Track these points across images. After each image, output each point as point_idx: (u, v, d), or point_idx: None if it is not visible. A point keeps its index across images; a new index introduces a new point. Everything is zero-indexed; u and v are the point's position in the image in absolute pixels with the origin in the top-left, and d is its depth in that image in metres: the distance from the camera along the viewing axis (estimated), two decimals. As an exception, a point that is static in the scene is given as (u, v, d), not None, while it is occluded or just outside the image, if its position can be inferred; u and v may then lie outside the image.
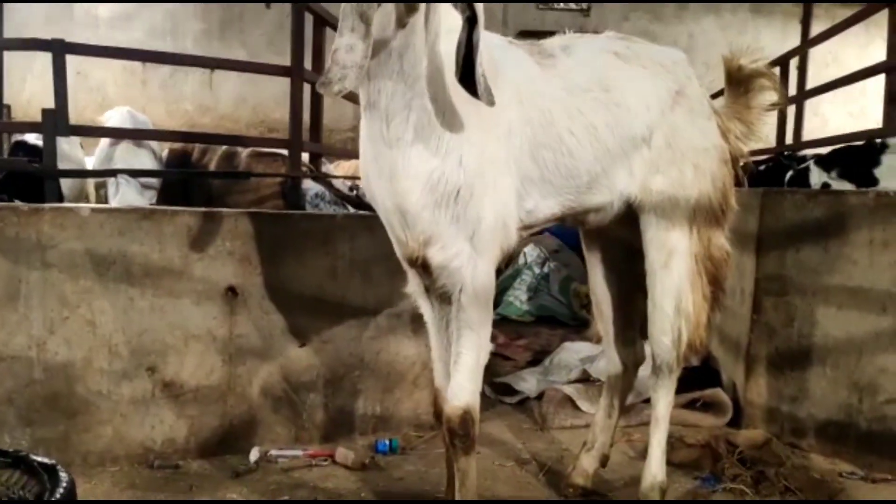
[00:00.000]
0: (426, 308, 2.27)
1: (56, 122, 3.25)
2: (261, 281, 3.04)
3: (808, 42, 6.10)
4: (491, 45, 2.14)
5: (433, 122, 1.91)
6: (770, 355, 3.39)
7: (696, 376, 3.93)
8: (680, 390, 3.60)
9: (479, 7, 1.81)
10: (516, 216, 2.15)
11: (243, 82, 10.02)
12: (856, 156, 4.06)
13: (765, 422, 3.41)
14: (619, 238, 2.61)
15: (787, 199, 3.35)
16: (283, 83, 10.44)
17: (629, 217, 2.47)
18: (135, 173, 3.56)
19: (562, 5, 9.73)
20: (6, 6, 4.28)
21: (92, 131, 3.98)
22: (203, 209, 3.03)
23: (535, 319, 5.75)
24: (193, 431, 2.97)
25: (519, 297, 5.84)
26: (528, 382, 3.94)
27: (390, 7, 1.78)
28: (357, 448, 3.13)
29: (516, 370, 4.33)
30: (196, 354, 2.96)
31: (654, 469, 2.57)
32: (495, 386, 3.95)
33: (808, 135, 7.70)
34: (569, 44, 2.38)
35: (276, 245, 3.07)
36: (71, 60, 9.96)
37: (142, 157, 4.33)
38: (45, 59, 10.24)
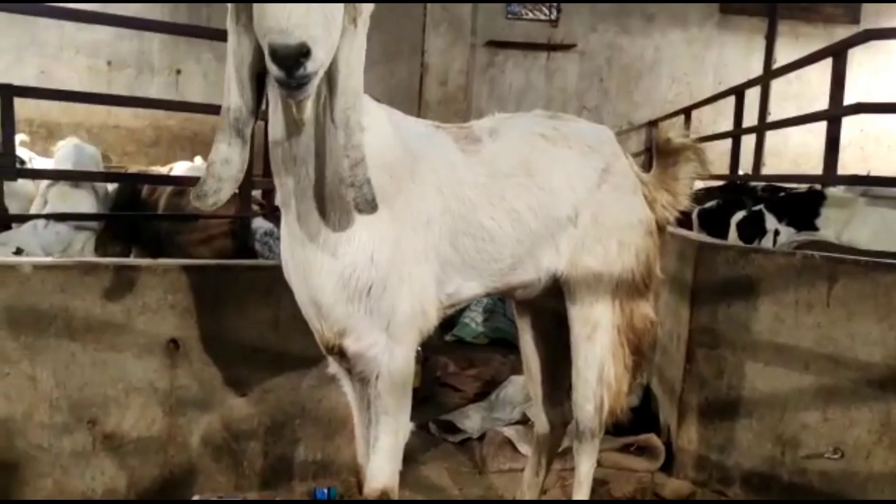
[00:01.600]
0: (348, 388, 2.35)
1: (2, 166, 3.26)
2: (202, 333, 3.09)
3: (768, 74, 6.19)
4: (412, 134, 2.21)
5: (343, 221, 1.97)
6: (701, 405, 3.51)
7: (636, 416, 4.05)
8: (617, 432, 3.77)
9: (359, 118, 1.84)
10: (436, 301, 2.22)
11: (210, 84, 9.98)
12: (800, 205, 4.20)
13: (694, 468, 3.53)
14: (548, 307, 2.70)
15: (720, 255, 3.45)
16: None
17: (557, 288, 2.57)
18: (85, 217, 3.56)
19: (530, 15, 9.77)
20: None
21: (39, 174, 3.98)
22: (146, 262, 3.07)
23: (490, 342, 5.84)
24: (134, 482, 3.03)
25: (475, 319, 5.93)
26: (472, 420, 4.03)
27: (279, 113, 1.84)
28: (296, 496, 3.21)
29: (465, 401, 4.44)
30: (137, 406, 3.01)
31: (576, 530, 2.68)
32: (440, 423, 4.05)
33: (768, 151, 7.87)
34: (496, 127, 2.46)
35: (218, 297, 3.12)
36: (34, 59, 9.81)
37: (76, 198, 4.20)
38: (11, 57, 10.05)
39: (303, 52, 1.55)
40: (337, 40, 1.71)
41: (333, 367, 2.32)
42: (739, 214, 4.45)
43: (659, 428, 3.91)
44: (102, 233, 4.14)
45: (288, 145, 1.88)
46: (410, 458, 3.67)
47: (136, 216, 4.16)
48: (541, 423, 2.91)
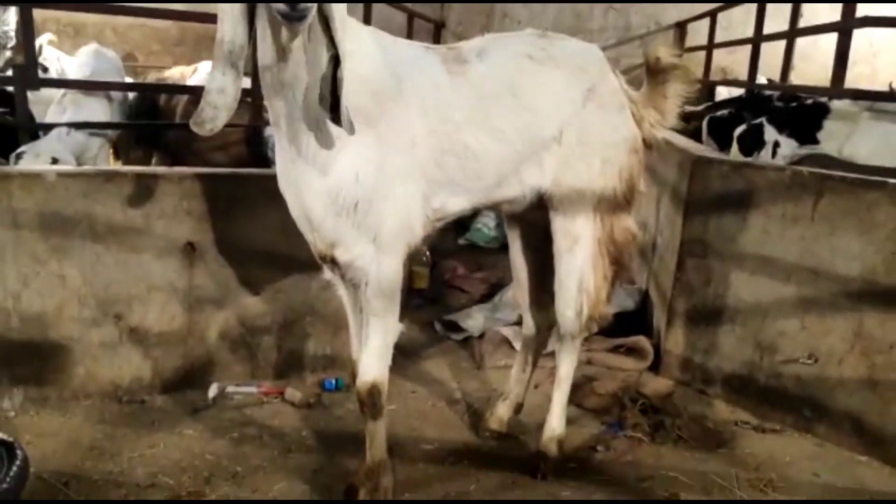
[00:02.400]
0: (342, 292, 2.56)
1: (26, 76, 3.43)
2: (217, 237, 3.32)
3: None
4: (399, 57, 2.33)
5: (329, 142, 2.13)
6: (688, 311, 3.70)
7: (631, 319, 4.26)
8: (610, 333, 3.99)
9: (344, 46, 1.99)
10: (422, 216, 2.39)
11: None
12: (803, 117, 4.23)
13: (679, 369, 3.75)
14: (535, 220, 2.86)
15: (714, 169, 3.55)
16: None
17: (542, 203, 2.72)
18: (107, 126, 3.71)
19: None
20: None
21: (60, 83, 4.13)
22: (162, 170, 3.27)
23: (501, 246, 6.02)
24: (157, 370, 3.33)
25: (487, 224, 6.10)
26: (475, 320, 4.27)
27: (268, 41, 1.97)
28: (306, 385, 3.51)
29: (471, 303, 4.68)
30: (159, 303, 3.28)
31: (554, 424, 2.93)
32: (444, 322, 4.30)
33: (798, 55, 7.71)
34: (485, 47, 2.55)
35: (231, 203, 3.32)
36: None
37: (90, 106, 4.25)
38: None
39: None
40: None
41: (328, 274, 2.53)
42: (740, 128, 4.48)
43: (652, 330, 4.12)
44: (125, 137, 4.30)
45: (276, 70, 2.02)
46: (414, 353, 3.98)
47: (154, 125, 4.32)
48: (527, 325, 3.13)
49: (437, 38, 9.68)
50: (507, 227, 3.03)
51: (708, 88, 7.40)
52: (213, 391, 3.36)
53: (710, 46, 7.67)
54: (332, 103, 2.03)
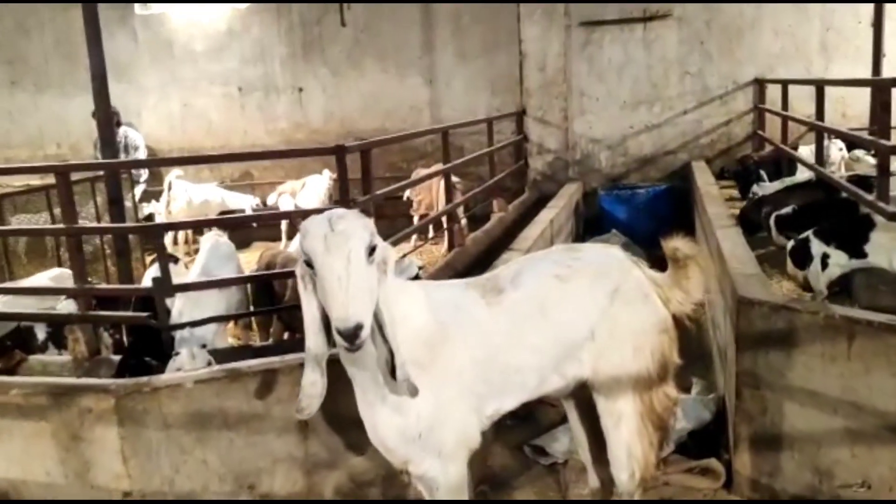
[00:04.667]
0: (421, 487, 3.10)
1: (162, 287, 4.22)
2: (325, 413, 3.92)
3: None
4: (444, 302, 2.86)
5: (394, 392, 2.69)
6: (750, 436, 4.00)
7: (708, 435, 4.58)
8: (686, 452, 4.34)
9: (395, 343, 2.56)
10: (477, 424, 2.91)
11: (329, 98, 10.89)
12: (850, 230, 4.45)
13: (749, 489, 4.05)
14: (585, 395, 3.31)
15: (755, 310, 3.87)
16: (365, 97, 11.40)
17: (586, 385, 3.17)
18: (229, 318, 4.44)
19: (623, -10, 9.82)
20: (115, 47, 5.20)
21: (189, 287, 4.92)
22: (276, 363, 3.94)
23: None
24: (286, 526, 3.98)
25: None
26: (560, 443, 4.71)
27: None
28: (409, 529, 4.06)
29: (558, 417, 5.11)
30: (282, 472, 3.93)
31: (622, 560, 3.34)
32: (532, 447, 4.76)
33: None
34: (520, 271, 3.06)
35: (332, 383, 3.93)
36: (176, 94, 11.21)
37: (204, 299, 4.93)
38: (157, 94, 11.48)
39: (358, 328, 2.28)
40: (376, 300, 2.42)
41: (406, 478, 3.08)
42: (790, 243, 4.74)
43: (728, 448, 4.41)
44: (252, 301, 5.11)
45: (349, 350, 2.61)
46: (506, 482, 4.47)
47: (269, 311, 5.11)
48: (592, 479, 3.57)
49: (520, 125, 10.25)
50: (564, 402, 3.49)
51: (788, 160, 7.50)
52: (332, 540, 3.97)
53: (785, 117, 7.81)
54: (392, 376, 2.60)
